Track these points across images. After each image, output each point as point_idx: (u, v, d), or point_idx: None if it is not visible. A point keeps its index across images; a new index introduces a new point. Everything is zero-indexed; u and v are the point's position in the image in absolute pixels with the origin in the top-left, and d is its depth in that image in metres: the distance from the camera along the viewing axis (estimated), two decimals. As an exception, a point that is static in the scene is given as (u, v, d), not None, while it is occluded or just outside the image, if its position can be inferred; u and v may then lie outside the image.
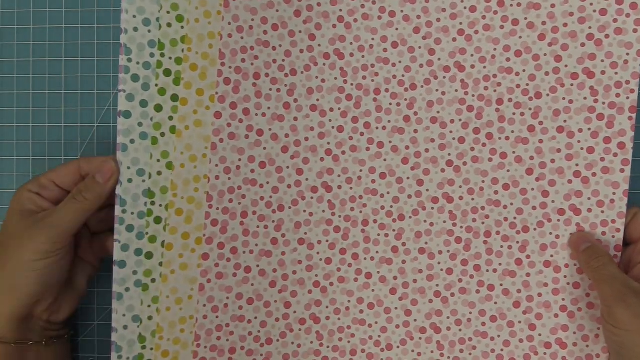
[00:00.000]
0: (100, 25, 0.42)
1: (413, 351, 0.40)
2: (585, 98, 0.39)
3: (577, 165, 0.39)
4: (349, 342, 0.40)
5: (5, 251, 0.36)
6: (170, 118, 0.38)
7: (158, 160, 0.38)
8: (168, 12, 0.37)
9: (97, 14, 0.42)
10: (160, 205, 0.38)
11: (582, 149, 0.39)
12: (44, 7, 0.42)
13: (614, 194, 0.39)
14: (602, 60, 0.38)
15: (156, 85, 0.37)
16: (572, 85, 0.39)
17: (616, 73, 0.39)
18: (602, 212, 0.39)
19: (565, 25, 0.38)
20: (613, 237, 0.39)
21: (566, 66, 0.39)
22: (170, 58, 0.37)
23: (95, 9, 0.42)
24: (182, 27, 0.37)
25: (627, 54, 0.38)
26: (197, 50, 0.37)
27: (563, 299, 0.39)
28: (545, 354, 0.40)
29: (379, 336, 0.40)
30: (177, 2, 0.37)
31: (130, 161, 0.37)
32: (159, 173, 0.38)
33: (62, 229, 0.36)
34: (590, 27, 0.38)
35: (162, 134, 0.38)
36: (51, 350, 0.38)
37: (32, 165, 0.43)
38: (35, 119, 0.42)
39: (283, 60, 0.39)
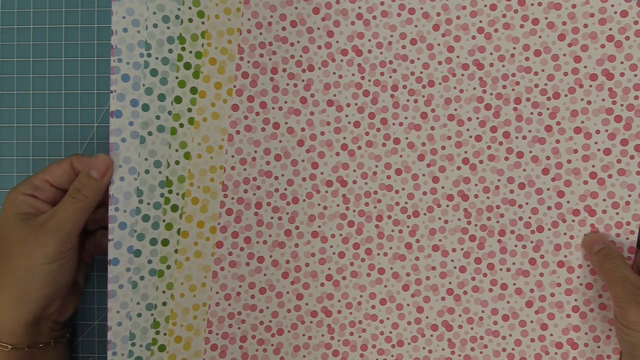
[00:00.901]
0: (100, 25, 0.42)
1: (424, 348, 0.40)
2: (603, 99, 0.39)
3: (593, 166, 0.39)
4: (360, 336, 0.41)
5: (10, 258, 0.35)
6: (189, 110, 0.39)
7: (176, 150, 0.39)
8: (190, 8, 0.38)
9: (97, 14, 0.42)
10: (178, 194, 0.39)
11: (598, 150, 0.39)
12: (44, 7, 0.43)
13: (630, 195, 0.39)
14: (622, 62, 0.39)
15: (176, 77, 0.38)
16: (590, 86, 0.39)
17: (635, 75, 0.39)
18: (617, 213, 0.39)
19: (586, 26, 0.39)
20: (627, 239, 0.39)
21: (585, 67, 0.39)
22: (191, 52, 0.38)
23: (95, 9, 0.42)
24: (203, 23, 0.38)
25: (647, 56, 0.38)
26: (217, 45, 0.39)
27: (575, 300, 0.40)
28: (556, 354, 0.40)
29: (390, 332, 0.40)
30: None
31: (148, 153, 0.38)
32: (177, 162, 0.39)
33: (68, 229, 0.36)
34: (610, 29, 0.39)
35: (181, 125, 0.39)
36: (57, 350, 0.38)
37: (32, 165, 0.43)
38: (35, 119, 0.43)
39: (301, 56, 0.40)
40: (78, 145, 0.43)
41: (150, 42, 0.38)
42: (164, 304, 0.39)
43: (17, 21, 0.43)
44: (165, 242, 0.39)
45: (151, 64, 0.38)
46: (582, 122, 0.39)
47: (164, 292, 0.39)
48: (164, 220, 0.39)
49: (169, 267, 0.39)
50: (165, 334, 0.39)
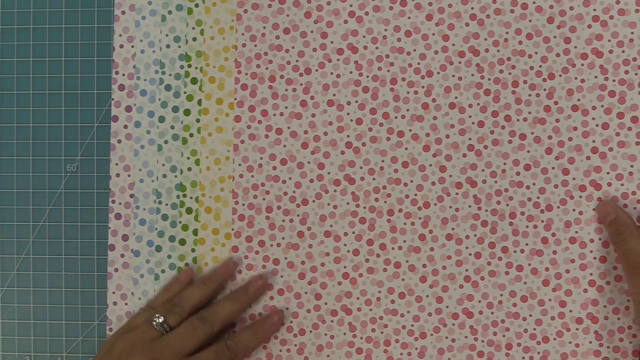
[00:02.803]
0: (100, 25, 0.43)
1: (447, 338, 0.40)
2: (595, 77, 0.40)
3: (593, 141, 0.40)
4: (382, 332, 0.40)
5: None
6: (198, 120, 0.43)
7: (188, 158, 0.42)
8: (193, 28, 0.42)
9: (97, 14, 0.43)
10: (191, 198, 0.42)
11: (597, 125, 0.40)
12: (44, 7, 0.43)
13: (632, 166, 0.40)
14: (609, 40, 0.40)
15: (185, 92, 0.42)
16: (582, 65, 0.40)
17: (623, 51, 0.40)
18: (622, 184, 0.40)
19: (572, 8, 0.40)
20: (634, 208, 0.40)
21: (575, 47, 0.40)
22: (196, 68, 0.42)
23: (95, 9, 0.43)
24: (205, 41, 0.42)
25: (632, 33, 0.41)
26: (214, 65, 0.42)
27: (591, 274, 0.40)
28: (577, 329, 0.40)
29: (412, 325, 0.40)
30: (200, 19, 0.42)
31: (165, 159, 0.42)
32: (189, 169, 0.42)
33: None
34: (595, 10, 0.40)
35: (191, 135, 0.43)
36: None
37: (32, 165, 0.43)
38: (35, 119, 0.44)
39: (297, 61, 0.42)
40: (78, 145, 0.43)
41: (164, 61, 0.42)
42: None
43: (17, 21, 0.43)
44: (182, 242, 0.42)
45: (165, 80, 0.43)
46: (579, 99, 0.40)
47: None
48: (180, 222, 0.42)
49: (187, 264, 0.42)
50: None
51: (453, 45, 0.41)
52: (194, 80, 0.42)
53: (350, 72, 0.41)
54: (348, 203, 0.41)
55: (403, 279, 0.41)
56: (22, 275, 0.43)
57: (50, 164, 0.43)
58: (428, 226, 0.41)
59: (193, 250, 0.42)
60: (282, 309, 0.41)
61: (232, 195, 0.41)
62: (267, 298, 0.41)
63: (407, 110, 0.41)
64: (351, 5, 0.41)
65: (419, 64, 0.41)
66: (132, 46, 0.42)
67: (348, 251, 0.41)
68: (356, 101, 0.41)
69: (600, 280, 0.41)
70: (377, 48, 0.41)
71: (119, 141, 0.42)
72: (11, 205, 0.43)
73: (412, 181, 0.41)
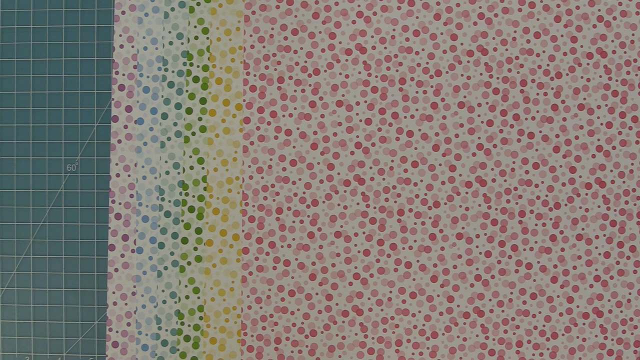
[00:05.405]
0: (100, 25, 0.43)
1: (458, 337, 0.40)
2: (600, 76, 0.40)
3: (598, 140, 0.40)
4: (393, 332, 0.39)
5: None
6: (200, 119, 0.41)
7: (190, 157, 0.41)
8: (195, 27, 0.41)
9: (97, 14, 0.43)
10: (193, 196, 0.41)
11: (601, 124, 0.40)
12: (44, 7, 0.43)
13: (632, 164, 0.40)
14: (612, 41, 0.40)
15: (186, 91, 0.41)
16: (588, 64, 0.40)
17: (625, 52, 0.40)
18: (624, 182, 0.40)
19: (578, 7, 0.40)
20: (635, 205, 0.39)
21: (582, 46, 0.40)
22: (198, 66, 0.41)
23: (95, 9, 0.43)
24: (207, 38, 0.41)
25: (633, 34, 0.41)
26: (221, 66, 0.41)
27: (596, 269, 0.40)
28: (584, 324, 0.40)
29: (423, 325, 0.39)
30: (202, 17, 0.41)
31: (167, 156, 0.41)
32: (191, 167, 0.41)
33: None
34: (599, 10, 0.40)
35: (193, 133, 0.41)
36: None
37: (32, 165, 0.43)
38: (35, 119, 0.43)
39: (305, 62, 0.41)
40: (78, 145, 0.43)
41: (167, 58, 0.41)
42: (187, 297, 0.41)
43: (17, 21, 0.43)
44: (184, 240, 0.41)
45: (168, 77, 0.41)
46: (584, 98, 0.40)
47: (186, 286, 0.41)
48: (182, 220, 0.41)
49: (189, 263, 0.41)
50: (189, 326, 0.41)
51: (461, 44, 0.40)
52: (195, 79, 0.41)
53: (359, 72, 0.40)
54: (358, 203, 0.40)
55: (414, 279, 0.41)
56: (22, 275, 0.43)
57: (50, 164, 0.43)
58: (438, 225, 0.40)
59: (195, 249, 0.41)
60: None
61: (242, 197, 0.40)
62: (278, 300, 0.40)
63: (416, 109, 0.40)
64: (359, 6, 0.40)
65: (427, 63, 0.40)
66: (132, 46, 0.41)
67: (359, 251, 0.40)
68: (365, 101, 0.41)
69: (604, 275, 0.41)
70: (385, 48, 0.40)
71: (119, 141, 0.41)
72: (11, 205, 0.43)
73: (421, 181, 0.40)
